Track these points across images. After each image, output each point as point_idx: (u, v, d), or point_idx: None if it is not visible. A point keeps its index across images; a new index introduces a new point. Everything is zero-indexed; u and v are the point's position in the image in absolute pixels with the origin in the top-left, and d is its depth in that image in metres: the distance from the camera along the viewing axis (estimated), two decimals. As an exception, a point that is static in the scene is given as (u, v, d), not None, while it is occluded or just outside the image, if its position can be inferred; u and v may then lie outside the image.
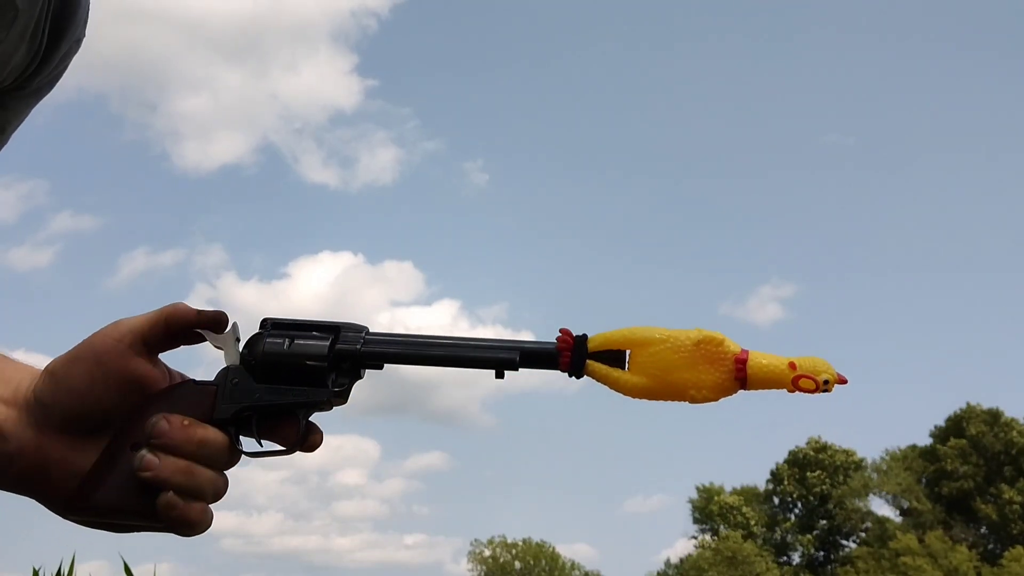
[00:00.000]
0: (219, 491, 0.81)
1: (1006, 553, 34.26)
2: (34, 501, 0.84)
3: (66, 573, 3.88)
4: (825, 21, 54.88)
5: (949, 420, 39.15)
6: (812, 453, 40.55)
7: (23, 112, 0.93)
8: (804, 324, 51.39)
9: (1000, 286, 52.22)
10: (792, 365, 0.80)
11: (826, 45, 54.56)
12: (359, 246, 55.26)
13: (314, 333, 0.84)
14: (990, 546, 37.42)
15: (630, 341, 0.82)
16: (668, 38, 55.97)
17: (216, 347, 0.84)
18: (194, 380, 0.83)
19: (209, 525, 0.80)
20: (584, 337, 0.83)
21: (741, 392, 0.81)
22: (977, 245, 52.21)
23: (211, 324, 0.84)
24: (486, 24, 58.16)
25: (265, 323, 0.85)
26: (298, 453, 0.84)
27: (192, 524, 0.79)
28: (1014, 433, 37.13)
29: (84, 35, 0.93)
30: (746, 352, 0.81)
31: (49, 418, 0.81)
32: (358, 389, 0.86)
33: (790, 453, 41.43)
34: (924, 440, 40.00)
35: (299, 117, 53.68)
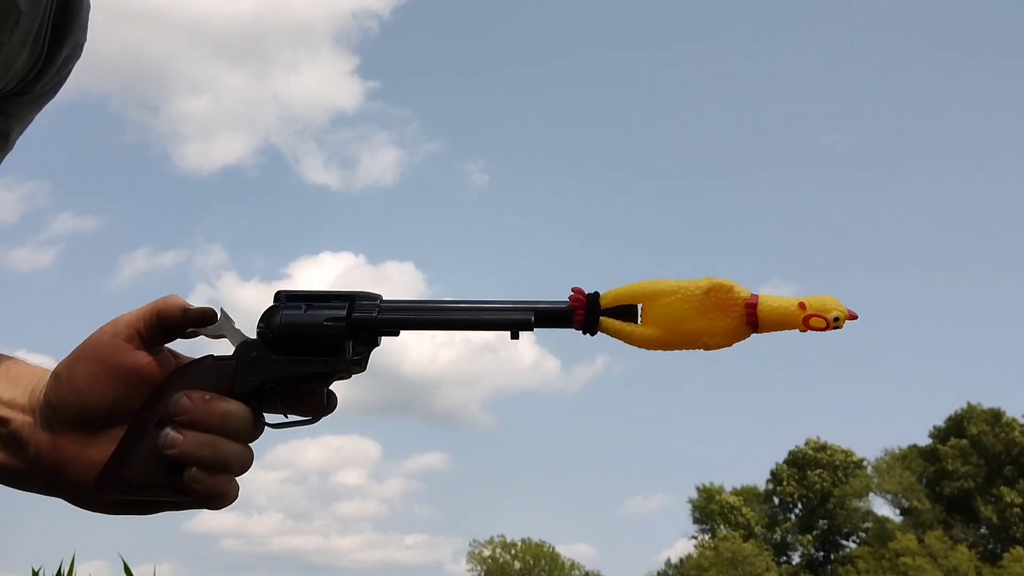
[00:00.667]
0: (245, 463, 0.82)
1: (1006, 554, 34.23)
2: (34, 501, 0.86)
3: (66, 573, 3.87)
4: (825, 23, 54.92)
5: (950, 420, 39.14)
6: (812, 453, 40.55)
7: (26, 118, 0.93)
8: (804, 324, 51.22)
9: (1000, 286, 52.26)
10: (802, 305, 0.81)
11: (826, 46, 54.59)
12: (360, 247, 55.35)
13: (330, 303, 0.85)
14: (990, 546, 37.40)
15: (641, 295, 0.83)
16: (668, 39, 56.03)
17: (214, 338, 0.85)
18: (213, 356, 0.84)
19: (236, 497, 0.81)
20: (596, 294, 0.84)
21: (752, 338, 0.83)
22: (977, 245, 52.25)
23: (198, 321, 0.84)
24: (486, 26, 58.20)
25: (279, 296, 0.86)
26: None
27: (219, 496, 0.80)
28: (1015, 433, 37.09)
29: (85, 40, 0.93)
30: (756, 296, 0.82)
31: (58, 418, 0.83)
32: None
33: (790, 453, 41.47)
34: (924, 440, 40.09)
35: (300, 118, 53.71)
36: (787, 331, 0.82)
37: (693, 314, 0.82)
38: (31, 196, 51.28)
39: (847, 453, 40.31)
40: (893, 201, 52.36)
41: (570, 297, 0.84)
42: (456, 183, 54.45)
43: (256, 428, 0.83)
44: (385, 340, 0.86)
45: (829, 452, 40.28)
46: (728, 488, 42.03)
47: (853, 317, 0.81)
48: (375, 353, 0.85)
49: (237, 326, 0.86)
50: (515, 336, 0.84)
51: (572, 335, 0.85)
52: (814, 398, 51.31)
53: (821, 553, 40.83)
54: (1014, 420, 37.44)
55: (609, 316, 0.84)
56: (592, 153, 57.18)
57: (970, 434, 37.66)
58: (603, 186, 56.20)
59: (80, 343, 0.84)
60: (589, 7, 56.21)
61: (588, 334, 0.84)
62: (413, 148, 53.78)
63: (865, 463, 40.25)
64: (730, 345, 0.82)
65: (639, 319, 0.84)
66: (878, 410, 52.56)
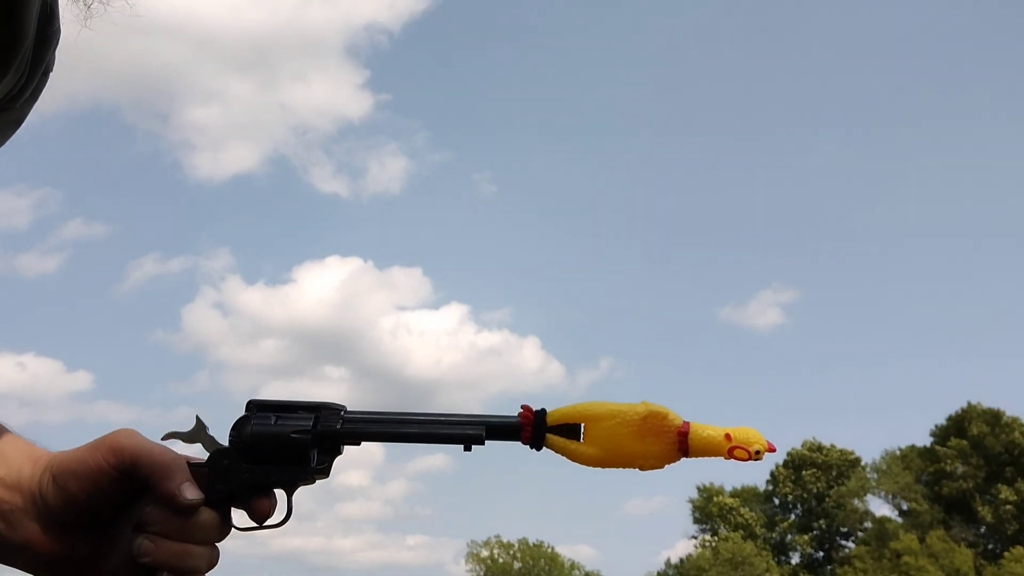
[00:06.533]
0: (212, 562, 0.89)
1: (1006, 553, 34.21)
2: None
3: None
4: (826, 30, 54.92)
5: (950, 420, 39.12)
6: (810, 454, 40.51)
7: (1, 141, 0.95)
8: (804, 329, 51.48)
9: (1000, 287, 52.26)
10: (728, 436, 0.89)
11: (828, 52, 54.61)
12: (367, 252, 55.42)
13: (297, 413, 0.91)
14: (990, 546, 37.39)
15: (584, 416, 0.90)
16: (671, 49, 56.06)
17: (190, 443, 0.91)
18: (188, 460, 0.90)
19: None
20: (543, 412, 0.91)
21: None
22: (977, 247, 52.28)
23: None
24: (494, 40, 58.29)
25: (251, 406, 0.92)
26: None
27: None
28: (1015, 433, 37.07)
29: (53, 67, 0.95)
30: (687, 424, 0.90)
31: (53, 519, 0.88)
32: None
33: (789, 454, 41.41)
34: (924, 440, 40.07)
35: (310, 128, 53.68)
36: (713, 457, 0.89)
37: (631, 438, 0.89)
38: (42, 203, 51.41)
39: (844, 453, 40.30)
40: (893, 205, 52.48)
41: (519, 414, 0.91)
42: (464, 193, 54.66)
43: (224, 532, 0.90)
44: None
45: (828, 453, 40.26)
46: (728, 488, 42.12)
47: (772, 450, 0.89)
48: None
49: (211, 432, 0.92)
50: (467, 449, 0.92)
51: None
52: (814, 398, 51.36)
53: (820, 553, 40.85)
54: (1014, 420, 37.39)
55: (554, 433, 0.91)
56: (598, 163, 57.23)
57: (970, 434, 37.63)
58: (605, 193, 56.35)
59: (84, 446, 0.89)
60: (595, 21, 56.24)
61: (535, 449, 0.91)
62: (421, 158, 53.98)
63: (863, 463, 40.26)
64: (662, 467, 0.90)
65: (581, 437, 0.90)
66: (878, 410, 52.65)
